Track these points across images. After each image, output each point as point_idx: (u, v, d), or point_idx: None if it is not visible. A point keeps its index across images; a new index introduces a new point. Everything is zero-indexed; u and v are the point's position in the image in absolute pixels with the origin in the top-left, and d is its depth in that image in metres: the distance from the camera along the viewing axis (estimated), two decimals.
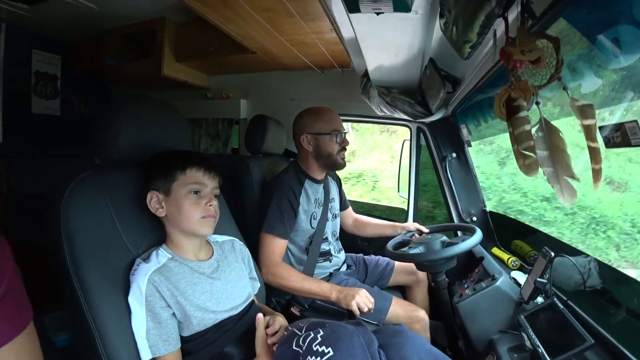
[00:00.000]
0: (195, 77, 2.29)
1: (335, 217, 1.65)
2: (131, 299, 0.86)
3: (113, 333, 0.82)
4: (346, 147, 1.52)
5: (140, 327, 0.86)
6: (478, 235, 1.31)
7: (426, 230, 1.63)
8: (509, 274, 1.29)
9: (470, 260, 1.58)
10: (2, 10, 2.02)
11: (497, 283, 1.17)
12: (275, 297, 1.52)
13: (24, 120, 2.43)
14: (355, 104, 1.94)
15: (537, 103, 0.70)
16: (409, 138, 2.03)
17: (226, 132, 2.51)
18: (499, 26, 0.75)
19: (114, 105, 0.93)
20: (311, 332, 0.86)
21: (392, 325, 1.11)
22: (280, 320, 1.00)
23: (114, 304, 0.85)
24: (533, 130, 0.67)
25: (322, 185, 1.59)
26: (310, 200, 1.51)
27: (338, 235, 1.70)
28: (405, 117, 1.68)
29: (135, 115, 0.95)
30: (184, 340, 0.93)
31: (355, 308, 1.23)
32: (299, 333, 0.88)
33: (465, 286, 1.38)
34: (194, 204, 0.94)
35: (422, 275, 1.68)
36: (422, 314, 1.42)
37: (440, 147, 1.84)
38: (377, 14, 0.91)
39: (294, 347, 0.85)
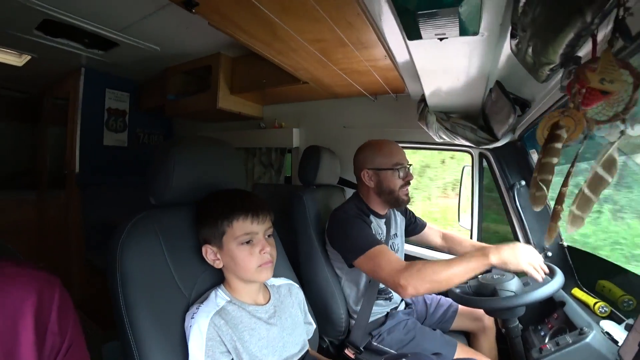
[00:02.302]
0: (249, 107, 2.35)
1: (397, 252, 1.52)
2: (191, 343, 0.83)
3: None
4: (410, 181, 1.40)
5: None
6: (560, 277, 1.13)
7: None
8: (598, 323, 1.08)
9: (547, 302, 1.33)
10: (82, 57, 2.26)
11: (588, 339, 0.99)
12: (328, 337, 1.44)
13: (97, 152, 2.67)
14: (411, 130, 1.85)
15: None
16: (469, 164, 1.88)
17: (279, 160, 2.53)
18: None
19: (167, 146, 0.93)
20: None
21: None
22: None
23: (163, 346, 0.83)
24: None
25: (384, 220, 1.48)
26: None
27: None
28: (467, 143, 1.55)
29: (187, 155, 0.95)
30: None
31: (530, 268, 1.05)
32: None
33: (542, 334, 1.21)
34: (248, 254, 0.90)
35: (490, 320, 1.50)
36: None
37: (507, 175, 1.66)
38: (441, 39, 0.84)
39: None
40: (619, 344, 0.94)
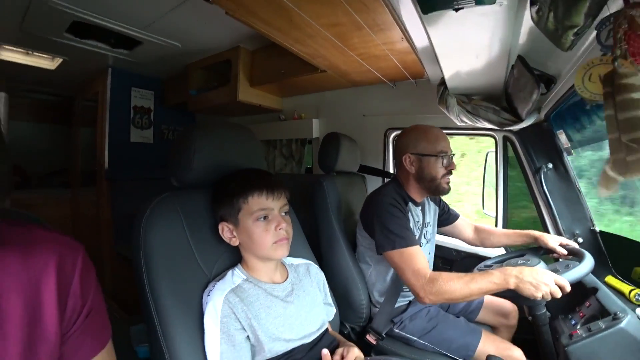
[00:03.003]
0: (269, 100, 2.38)
1: (429, 242, 1.49)
2: (207, 319, 0.86)
3: (183, 352, 0.82)
4: (452, 170, 1.36)
5: (213, 349, 0.84)
6: (589, 260, 1.08)
7: (573, 244, 1.35)
8: (634, 310, 1.02)
9: (578, 290, 1.27)
10: (108, 57, 2.36)
11: (622, 324, 0.94)
12: (350, 323, 1.43)
13: (124, 148, 2.79)
14: (432, 116, 1.81)
15: None
16: (493, 149, 1.83)
17: (299, 151, 2.55)
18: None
19: (188, 130, 0.96)
20: None
21: None
22: (354, 352, 0.92)
23: (185, 324, 0.85)
24: None
25: (420, 207, 1.45)
26: (410, 222, 1.36)
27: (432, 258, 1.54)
28: (490, 125, 1.51)
29: (208, 138, 0.98)
30: None
31: (547, 295, 1.01)
32: None
33: (573, 323, 1.15)
34: (264, 230, 0.92)
35: (514, 319, 1.47)
36: (518, 354, 1.21)
37: (533, 158, 1.60)
38: (456, 9, 0.82)
39: None
40: None
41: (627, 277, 1.29)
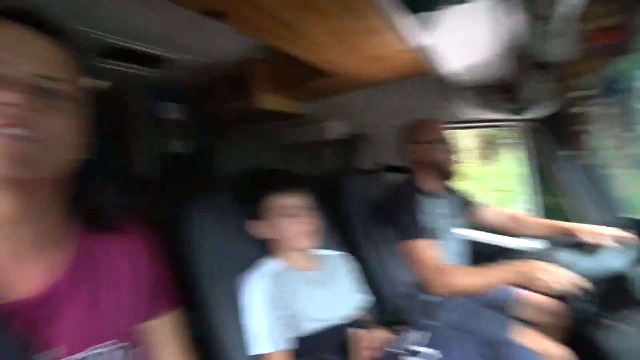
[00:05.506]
0: (287, 106, 2.44)
1: (450, 234, 1.50)
2: (247, 299, 0.96)
3: (226, 326, 0.96)
4: (455, 153, 1.44)
5: (254, 325, 0.94)
6: (626, 252, 1.05)
7: (607, 234, 1.24)
8: None
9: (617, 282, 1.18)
10: (143, 77, 2.52)
11: None
12: (381, 314, 1.47)
13: (160, 158, 2.98)
14: (450, 110, 1.80)
15: None
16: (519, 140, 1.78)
17: (321, 153, 2.61)
18: None
19: (217, 140, 1.10)
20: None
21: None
22: (381, 334, 0.99)
23: (227, 305, 0.98)
24: None
25: (436, 198, 1.47)
26: (428, 215, 1.39)
27: (463, 253, 1.55)
28: (509, 116, 1.49)
29: (234, 146, 1.12)
30: None
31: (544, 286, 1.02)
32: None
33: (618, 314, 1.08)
34: (289, 225, 1.01)
35: (558, 315, 1.38)
36: (562, 353, 1.15)
37: (556, 145, 1.55)
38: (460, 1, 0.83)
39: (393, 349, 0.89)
40: None
41: None
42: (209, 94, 2.67)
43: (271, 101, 2.30)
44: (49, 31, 0.53)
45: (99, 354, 0.58)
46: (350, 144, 1.71)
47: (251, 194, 1.05)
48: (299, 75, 1.97)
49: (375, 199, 1.69)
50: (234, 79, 2.41)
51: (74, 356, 0.55)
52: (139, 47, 1.98)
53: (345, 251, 1.31)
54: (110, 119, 3.82)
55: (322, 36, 1.33)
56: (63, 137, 0.51)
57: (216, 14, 1.23)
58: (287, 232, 1.01)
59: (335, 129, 2.36)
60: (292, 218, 1.01)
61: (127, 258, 0.67)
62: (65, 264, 0.59)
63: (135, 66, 2.31)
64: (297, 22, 1.23)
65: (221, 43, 1.98)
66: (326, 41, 1.37)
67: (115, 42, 1.88)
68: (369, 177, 1.81)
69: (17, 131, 0.46)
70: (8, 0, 0.53)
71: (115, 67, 2.28)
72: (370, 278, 1.45)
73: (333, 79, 1.83)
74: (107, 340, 0.59)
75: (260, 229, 1.04)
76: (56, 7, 1.38)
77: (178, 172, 3.02)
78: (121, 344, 0.61)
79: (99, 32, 1.76)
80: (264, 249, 1.09)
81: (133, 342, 0.64)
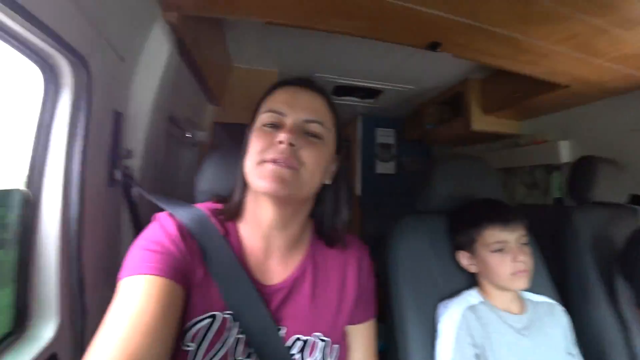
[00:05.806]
0: (504, 126, 2.27)
1: None
2: (443, 327, 0.94)
3: (414, 353, 0.96)
4: None
5: (445, 355, 0.91)
6: None
7: None
8: None
9: None
10: (358, 107, 2.92)
11: None
12: None
13: (372, 179, 3.30)
14: None
15: None
16: None
17: (545, 179, 2.25)
18: None
19: (431, 164, 1.18)
20: None
21: None
22: None
23: (419, 329, 0.99)
24: None
25: None
26: None
27: None
28: None
29: (448, 171, 1.15)
30: None
31: None
32: None
33: None
34: (500, 261, 0.93)
35: None
36: None
37: None
38: None
39: None
40: None
41: None
42: (421, 119, 2.80)
43: (488, 122, 2.21)
44: (314, 88, 0.74)
45: (308, 341, 0.69)
46: (582, 169, 1.40)
47: (464, 223, 1.02)
48: (520, 91, 1.82)
49: (618, 242, 1.32)
50: (448, 101, 2.45)
51: (290, 338, 0.68)
52: (361, 83, 2.31)
53: (561, 301, 1.08)
54: (347, 151, 4.56)
55: (550, 47, 1.21)
56: (316, 167, 0.66)
57: (434, 46, 1.30)
58: (497, 269, 0.93)
59: (569, 150, 1.99)
60: (504, 255, 0.94)
61: (350, 268, 0.79)
62: (297, 264, 0.74)
63: (357, 99, 2.71)
64: (516, 36, 1.17)
65: (434, 70, 2.07)
66: (556, 51, 1.23)
67: (344, 81, 2.27)
68: (612, 211, 1.42)
69: (285, 162, 0.62)
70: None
71: (343, 102, 2.73)
72: (590, 344, 1.14)
73: (564, 91, 1.60)
74: (316, 332, 0.71)
75: (468, 261, 1.01)
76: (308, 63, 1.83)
77: (388, 192, 3.27)
78: (326, 338, 0.71)
79: (333, 75, 2.17)
80: (470, 280, 1.05)
81: (336, 339, 0.74)
